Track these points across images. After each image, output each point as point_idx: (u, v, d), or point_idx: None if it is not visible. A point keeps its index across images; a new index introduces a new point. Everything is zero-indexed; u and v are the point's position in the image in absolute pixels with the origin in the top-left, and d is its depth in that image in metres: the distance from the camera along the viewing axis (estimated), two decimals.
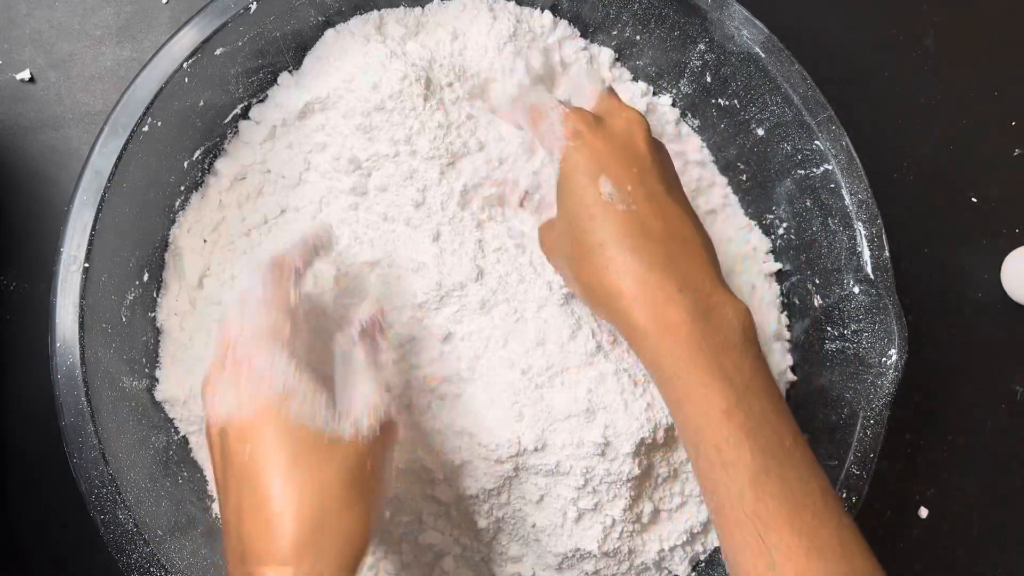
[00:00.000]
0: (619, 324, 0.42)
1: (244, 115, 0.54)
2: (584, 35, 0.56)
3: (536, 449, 0.48)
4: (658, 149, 0.45)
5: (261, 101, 0.54)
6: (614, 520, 0.49)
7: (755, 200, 0.57)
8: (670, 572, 0.53)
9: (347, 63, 0.51)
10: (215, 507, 0.51)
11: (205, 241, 0.52)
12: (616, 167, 0.42)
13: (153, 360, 0.51)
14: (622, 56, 0.57)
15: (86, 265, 0.45)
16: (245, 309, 0.39)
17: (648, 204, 0.42)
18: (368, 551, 0.38)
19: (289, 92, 0.53)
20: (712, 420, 0.39)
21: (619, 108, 0.45)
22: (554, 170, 0.44)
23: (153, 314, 0.51)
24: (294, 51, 0.53)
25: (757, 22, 0.51)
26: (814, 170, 0.51)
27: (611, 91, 0.48)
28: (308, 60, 0.54)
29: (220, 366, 0.38)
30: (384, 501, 0.40)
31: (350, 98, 0.50)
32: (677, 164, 0.57)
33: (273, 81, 0.54)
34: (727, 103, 0.55)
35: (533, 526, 0.50)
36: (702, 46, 0.53)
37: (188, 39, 0.47)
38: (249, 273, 0.40)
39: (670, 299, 0.40)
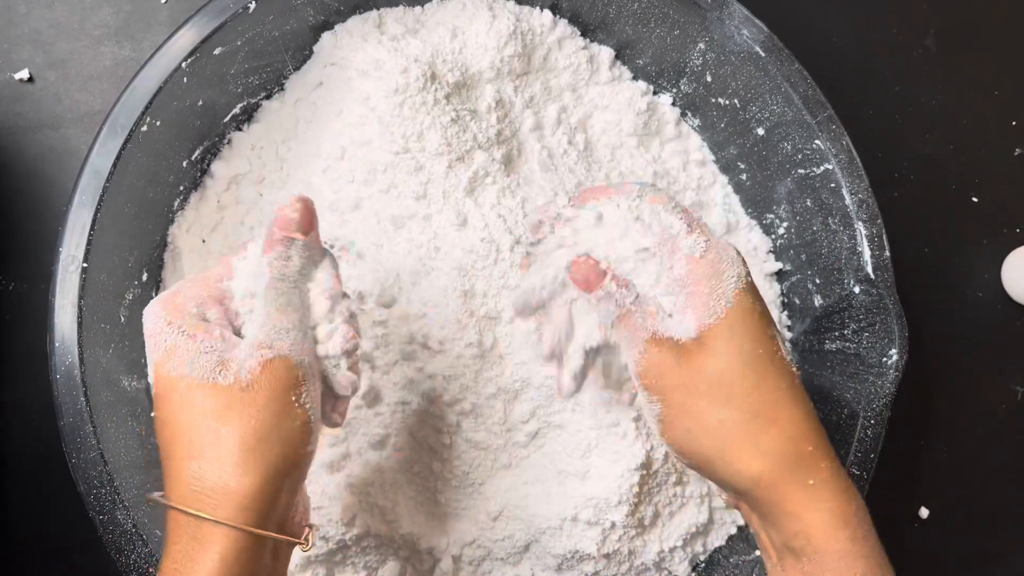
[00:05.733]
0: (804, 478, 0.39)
1: (243, 115, 0.54)
2: (584, 34, 0.56)
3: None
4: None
5: (256, 109, 0.54)
6: (614, 523, 0.49)
7: (755, 199, 0.57)
8: (670, 572, 0.53)
9: (351, 62, 0.52)
10: None
11: (204, 241, 0.52)
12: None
13: None
14: (622, 55, 0.57)
15: (85, 265, 0.45)
16: None
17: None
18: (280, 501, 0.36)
19: (281, 112, 0.54)
20: None
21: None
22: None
23: None
24: (293, 51, 0.53)
25: (757, 21, 0.51)
26: (814, 169, 0.51)
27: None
28: (304, 72, 0.54)
29: None
30: (307, 440, 0.38)
31: (352, 97, 0.50)
32: (677, 163, 0.57)
33: (272, 80, 0.54)
34: (727, 102, 0.55)
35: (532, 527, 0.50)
36: (702, 45, 0.53)
37: (187, 39, 0.47)
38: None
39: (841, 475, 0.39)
